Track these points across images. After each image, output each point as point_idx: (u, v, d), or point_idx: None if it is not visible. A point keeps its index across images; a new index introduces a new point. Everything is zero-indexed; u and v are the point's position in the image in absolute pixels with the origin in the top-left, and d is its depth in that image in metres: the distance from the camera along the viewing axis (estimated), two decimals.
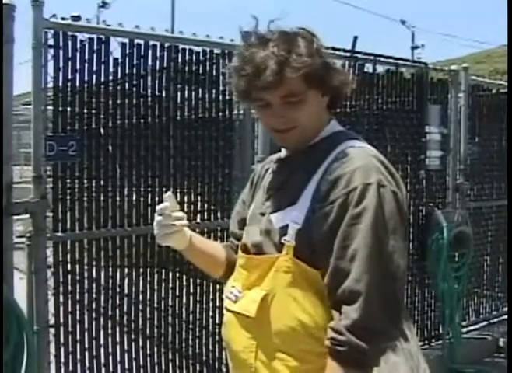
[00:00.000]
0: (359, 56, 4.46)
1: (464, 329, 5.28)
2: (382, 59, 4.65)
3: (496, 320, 5.71)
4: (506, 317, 5.71)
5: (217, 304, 3.76)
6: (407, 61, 5.03)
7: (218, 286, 3.73)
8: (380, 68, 4.74)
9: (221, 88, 3.78)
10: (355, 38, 4.51)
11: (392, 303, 1.57)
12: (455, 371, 4.86)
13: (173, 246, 1.92)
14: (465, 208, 5.19)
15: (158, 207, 1.83)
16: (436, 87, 5.08)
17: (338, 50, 4.23)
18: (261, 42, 1.68)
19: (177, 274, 3.62)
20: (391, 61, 4.74)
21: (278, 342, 1.66)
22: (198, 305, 3.73)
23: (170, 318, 3.61)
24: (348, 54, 4.35)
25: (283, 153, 1.85)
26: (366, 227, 1.56)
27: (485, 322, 5.63)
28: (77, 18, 3.28)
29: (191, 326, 3.70)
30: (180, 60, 3.59)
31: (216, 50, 3.73)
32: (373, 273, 1.54)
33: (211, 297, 3.77)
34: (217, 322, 3.74)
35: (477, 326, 5.53)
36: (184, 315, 3.67)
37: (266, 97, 1.68)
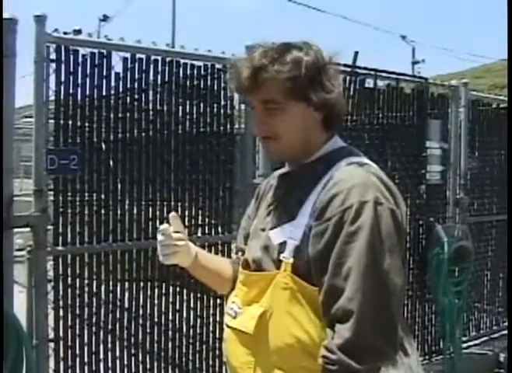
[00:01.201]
0: (360, 71, 4.48)
1: (465, 344, 5.27)
2: (383, 74, 4.67)
3: (496, 335, 5.69)
4: (506, 332, 5.71)
5: (217, 318, 3.75)
6: (407, 75, 5.06)
7: (218, 300, 3.72)
8: (381, 83, 4.76)
9: (222, 102, 3.79)
10: (356, 53, 4.54)
11: (387, 322, 1.55)
12: None
13: (177, 263, 1.94)
14: (466, 223, 5.18)
15: (160, 228, 1.87)
16: (436, 102, 5.10)
17: (339, 65, 4.23)
18: (252, 52, 1.72)
19: (178, 289, 3.61)
20: (392, 76, 4.76)
21: (276, 359, 1.65)
22: (198, 320, 3.72)
23: (170, 332, 3.60)
24: (349, 69, 4.37)
25: (285, 168, 1.86)
26: (361, 245, 1.55)
27: (485, 337, 5.61)
28: (78, 32, 3.30)
29: (191, 341, 3.69)
30: (181, 74, 3.60)
31: (218, 65, 3.74)
32: (367, 292, 1.53)
33: (211, 311, 3.76)
34: (217, 336, 3.73)
35: (477, 341, 5.51)
36: (184, 330, 3.66)
37: (250, 100, 1.75)
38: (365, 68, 4.52)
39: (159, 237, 1.87)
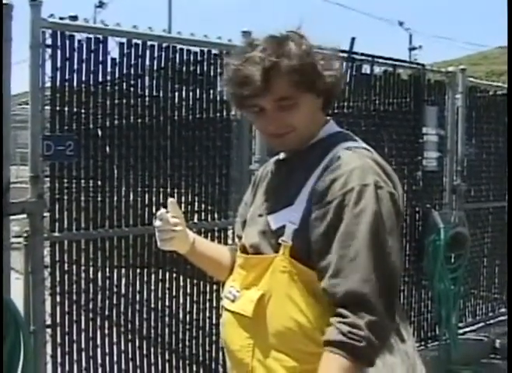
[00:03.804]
0: (357, 57, 4.46)
1: (461, 330, 5.29)
2: (379, 60, 4.66)
3: (492, 321, 5.71)
4: (502, 318, 5.74)
5: (214, 304, 3.75)
6: (404, 62, 5.05)
7: (215, 286, 3.72)
8: (378, 69, 4.74)
9: (219, 88, 3.78)
10: (353, 39, 4.51)
11: (391, 302, 1.58)
12: (451, 372, 4.87)
13: (174, 249, 1.95)
14: (462, 209, 5.19)
15: (158, 213, 1.89)
16: (433, 88, 5.09)
17: (333, 49, 4.21)
18: (250, 48, 1.69)
19: (174, 275, 3.62)
20: (389, 62, 4.75)
21: (275, 342, 1.66)
22: (194, 306, 3.72)
23: (166, 318, 3.61)
24: (345, 55, 4.35)
25: (282, 155, 1.86)
26: (365, 228, 1.56)
27: (481, 324, 5.64)
28: (74, 18, 3.27)
29: (187, 327, 3.70)
30: (177, 60, 3.59)
31: (214, 51, 3.72)
32: (377, 274, 1.54)
33: (208, 297, 3.76)
34: (214, 322, 3.74)
35: (473, 327, 5.54)
36: (180, 316, 3.67)
37: (259, 103, 1.69)
38: (362, 54, 4.51)
39: (157, 222, 1.88)
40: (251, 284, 1.74)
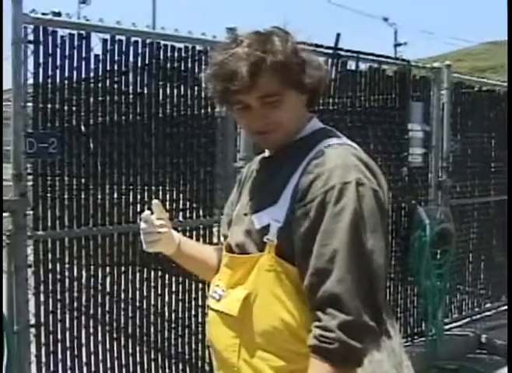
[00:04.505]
0: (342, 53, 4.45)
1: (447, 326, 5.30)
2: (365, 56, 4.65)
3: (478, 316, 5.74)
4: (488, 313, 5.77)
5: (199, 302, 3.74)
6: (389, 58, 5.04)
7: (200, 285, 3.71)
8: (363, 66, 4.74)
9: (203, 85, 3.74)
10: (338, 35, 4.50)
11: (373, 302, 1.55)
12: (438, 368, 4.88)
13: (160, 251, 1.94)
14: (448, 205, 5.20)
15: (142, 215, 1.87)
16: (418, 84, 5.09)
17: (321, 46, 4.22)
18: (234, 43, 1.66)
19: (160, 273, 3.60)
20: (374, 58, 4.74)
21: (261, 341, 1.64)
22: (180, 304, 3.70)
23: (152, 316, 3.58)
24: (330, 51, 4.34)
25: (267, 152, 1.84)
26: (345, 226, 1.54)
27: (467, 319, 5.66)
28: (57, 14, 3.23)
29: (173, 325, 3.68)
30: (162, 56, 3.56)
31: (199, 47, 3.70)
32: (354, 273, 1.52)
33: (193, 295, 3.74)
34: (200, 320, 3.72)
35: (459, 323, 5.55)
36: (166, 314, 3.64)
37: (244, 99, 1.66)
38: (347, 51, 4.49)
39: (142, 224, 1.86)
40: (237, 283, 1.72)
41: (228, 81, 1.62)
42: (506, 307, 5.86)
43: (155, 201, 1.91)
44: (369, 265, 1.55)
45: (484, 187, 5.71)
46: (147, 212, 1.86)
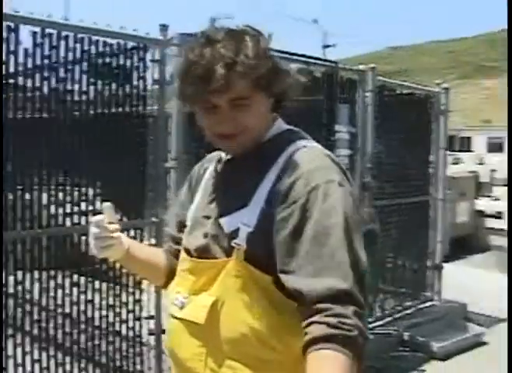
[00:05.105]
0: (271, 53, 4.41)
1: (370, 325, 5.37)
2: (293, 57, 4.63)
3: (399, 315, 5.85)
4: (409, 312, 5.89)
5: (130, 308, 3.61)
6: (317, 59, 5.06)
7: (130, 289, 3.60)
8: (291, 66, 4.71)
9: (135, 83, 3.64)
10: (269, 36, 4.46)
11: (365, 295, 1.52)
12: (362, 366, 4.93)
13: (109, 257, 1.83)
14: (372, 206, 5.27)
15: (94, 219, 1.74)
16: (345, 86, 5.13)
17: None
18: (207, 43, 1.59)
19: (90, 278, 3.45)
20: (302, 59, 4.74)
21: (229, 349, 1.58)
22: (110, 310, 3.56)
23: (82, 324, 3.43)
24: None
25: (228, 154, 1.77)
26: (338, 225, 1.51)
27: (389, 318, 5.76)
28: None
29: (103, 332, 3.53)
30: (93, 52, 3.41)
31: (131, 43, 3.57)
32: (353, 269, 1.49)
33: (123, 300, 3.61)
34: (130, 326, 3.61)
35: (382, 322, 5.64)
36: (96, 321, 3.50)
37: (214, 101, 1.60)
38: (276, 51, 4.45)
39: (94, 229, 1.74)
40: (201, 289, 1.64)
41: (202, 82, 1.55)
42: (425, 304, 6.05)
43: (106, 204, 1.79)
44: (360, 260, 1.53)
45: (406, 188, 5.83)
46: (100, 216, 1.74)
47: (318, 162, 1.59)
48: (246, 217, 1.59)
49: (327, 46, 38.23)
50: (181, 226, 1.86)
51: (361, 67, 5.30)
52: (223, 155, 1.78)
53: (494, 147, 29.34)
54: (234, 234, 1.60)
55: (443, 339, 5.42)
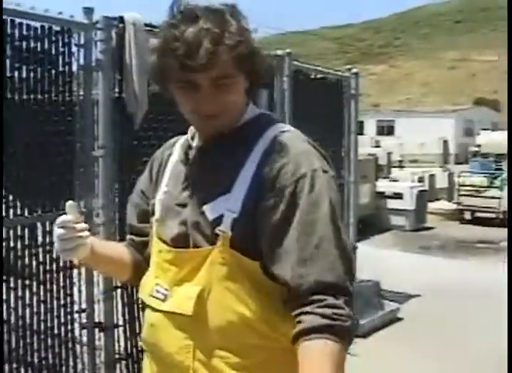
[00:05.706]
0: None
1: None
2: None
3: None
4: None
5: (68, 309, 3.44)
6: None
7: (68, 291, 3.43)
8: None
9: (60, 68, 3.47)
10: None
11: (352, 284, 1.56)
12: None
13: (75, 258, 1.71)
14: None
15: (59, 220, 1.62)
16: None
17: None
18: (190, 18, 1.52)
19: (27, 281, 3.24)
20: None
21: (217, 338, 1.55)
22: (48, 314, 3.35)
23: (20, 330, 3.22)
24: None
25: (198, 139, 1.71)
26: (325, 214, 1.53)
27: None
28: None
29: (42, 336, 3.33)
30: (17, 35, 3.21)
31: (56, 27, 3.40)
32: (342, 258, 1.51)
33: (62, 302, 3.41)
34: (69, 328, 3.44)
35: None
36: (35, 326, 3.29)
37: (196, 79, 1.53)
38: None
39: (60, 231, 1.61)
40: (183, 279, 1.60)
41: (185, 57, 1.49)
42: None
43: (70, 202, 1.67)
44: (347, 249, 1.55)
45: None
46: (67, 217, 1.62)
47: (301, 147, 1.60)
48: (230, 203, 1.56)
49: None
50: (143, 216, 1.80)
51: (278, 52, 5.32)
52: (191, 141, 1.73)
53: (383, 130, 30.44)
54: (218, 220, 1.56)
55: (362, 317, 5.58)
